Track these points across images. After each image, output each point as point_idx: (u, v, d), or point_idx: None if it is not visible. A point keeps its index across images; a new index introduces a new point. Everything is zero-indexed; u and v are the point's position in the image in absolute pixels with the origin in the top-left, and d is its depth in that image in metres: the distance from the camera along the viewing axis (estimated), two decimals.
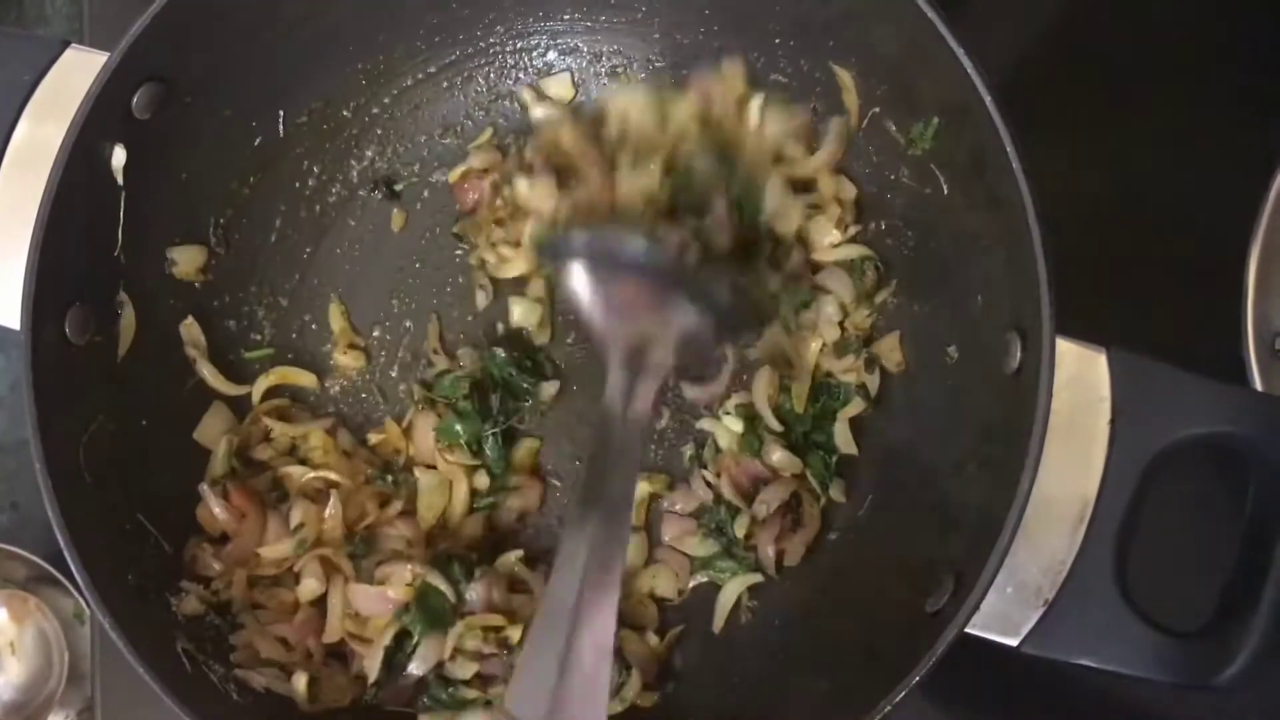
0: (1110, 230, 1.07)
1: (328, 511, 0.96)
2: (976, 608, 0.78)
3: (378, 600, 0.94)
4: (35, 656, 1.30)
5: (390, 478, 1.02)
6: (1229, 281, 0.99)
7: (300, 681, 0.90)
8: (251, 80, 0.98)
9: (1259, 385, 0.97)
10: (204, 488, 0.96)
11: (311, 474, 0.98)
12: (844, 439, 1.00)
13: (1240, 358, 0.98)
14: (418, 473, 1.02)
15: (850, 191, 1.01)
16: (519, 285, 1.07)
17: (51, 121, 0.89)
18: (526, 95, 1.09)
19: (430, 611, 0.94)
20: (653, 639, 0.99)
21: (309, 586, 0.95)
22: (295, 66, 1.01)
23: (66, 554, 0.82)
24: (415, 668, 0.93)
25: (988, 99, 0.81)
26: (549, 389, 1.05)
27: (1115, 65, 1.12)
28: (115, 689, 1.10)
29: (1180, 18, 1.13)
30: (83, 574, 0.82)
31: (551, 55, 1.09)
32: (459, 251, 1.08)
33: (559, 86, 1.09)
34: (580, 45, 1.08)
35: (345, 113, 1.07)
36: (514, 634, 0.94)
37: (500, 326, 1.06)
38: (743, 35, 0.99)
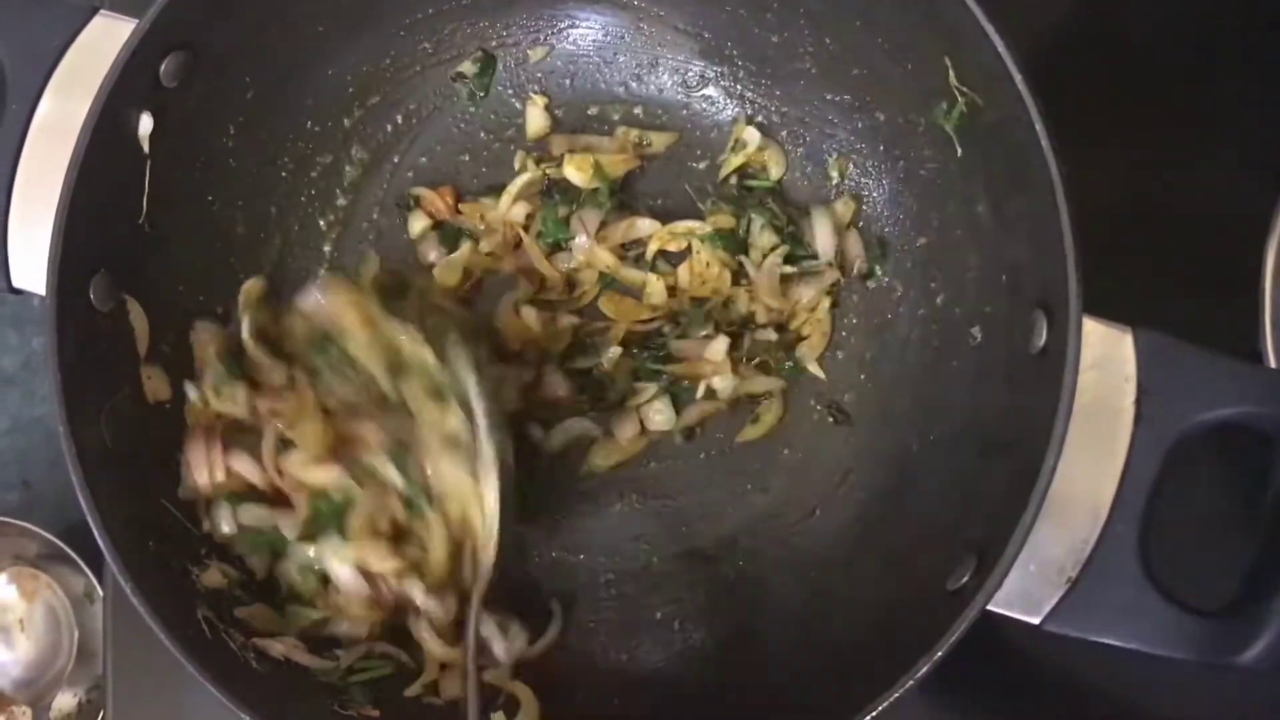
0: (1127, 221, 1.07)
1: None
2: (1000, 585, 0.78)
3: None
4: (45, 634, 1.30)
5: None
6: (1247, 274, 0.99)
7: None
8: (281, 51, 0.99)
9: None
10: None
11: None
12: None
13: (1257, 350, 0.98)
14: None
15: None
16: None
17: (79, 87, 0.88)
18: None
19: None
20: None
21: None
22: (327, 37, 1.01)
23: (89, 515, 0.82)
24: None
25: (1018, 76, 0.81)
26: None
27: (1138, 54, 1.13)
28: (127, 666, 1.10)
29: (1204, 10, 1.13)
30: (103, 536, 0.82)
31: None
32: None
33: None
34: None
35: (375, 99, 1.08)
36: None
37: None
38: (765, 11, 1.00)
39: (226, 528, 0.93)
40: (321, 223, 1.08)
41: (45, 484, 1.39)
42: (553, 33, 1.09)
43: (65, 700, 1.30)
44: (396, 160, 1.10)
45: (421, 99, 1.09)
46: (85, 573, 1.26)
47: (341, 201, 1.09)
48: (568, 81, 1.10)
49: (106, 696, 1.10)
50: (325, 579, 0.93)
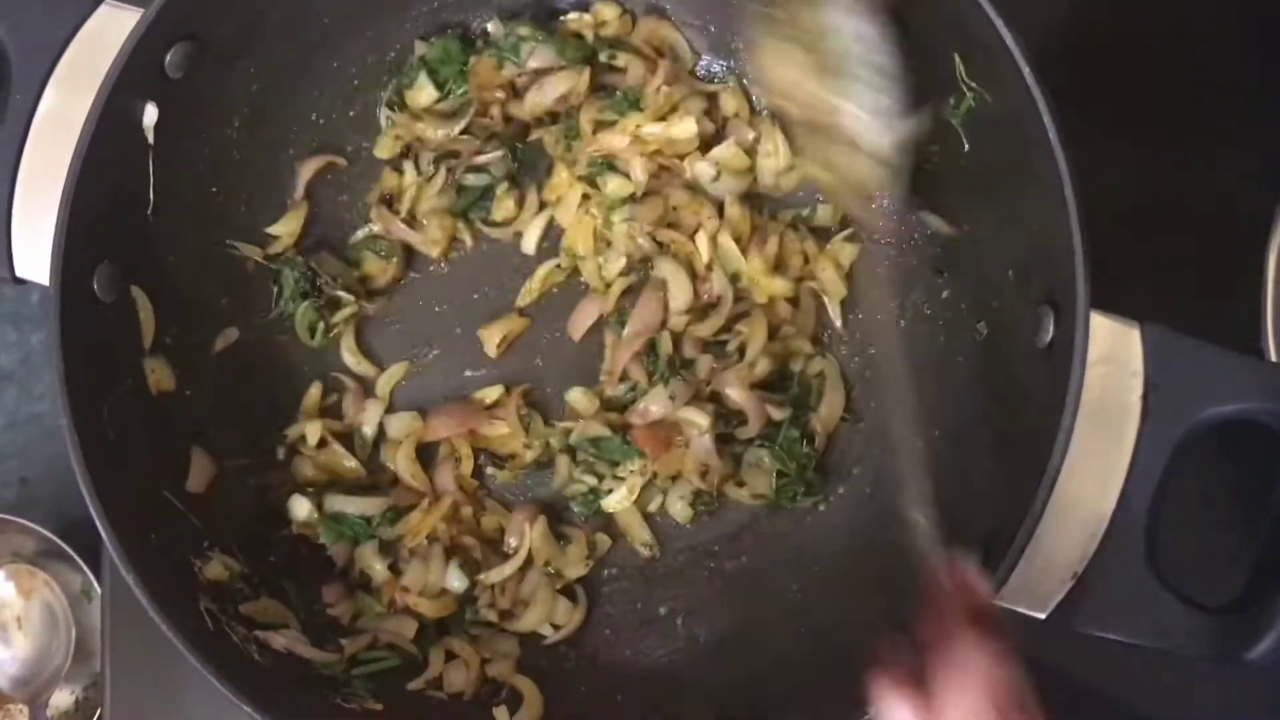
0: (1133, 218, 1.07)
1: None
2: (1006, 580, 0.78)
3: None
4: (42, 632, 1.29)
5: None
6: (1250, 271, 0.99)
7: None
8: (286, 43, 0.99)
9: None
10: None
11: None
12: None
13: (1259, 347, 0.98)
14: None
15: None
16: None
17: (84, 77, 0.88)
18: None
19: None
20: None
21: None
22: (332, 30, 1.02)
23: (91, 506, 0.82)
24: None
25: (1027, 72, 0.81)
26: None
27: (1145, 51, 1.13)
28: (124, 664, 1.10)
29: (1210, 10, 1.14)
30: (105, 528, 0.82)
31: None
32: None
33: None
34: None
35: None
36: None
37: None
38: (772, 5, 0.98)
39: (303, 515, 0.97)
40: None
41: (43, 481, 1.37)
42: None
43: (62, 698, 1.29)
44: None
45: None
46: (83, 570, 1.25)
47: (344, 197, 1.08)
48: None
49: (104, 694, 1.10)
50: (396, 569, 0.98)
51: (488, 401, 1.04)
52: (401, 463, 1.02)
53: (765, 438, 1.01)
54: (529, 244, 1.06)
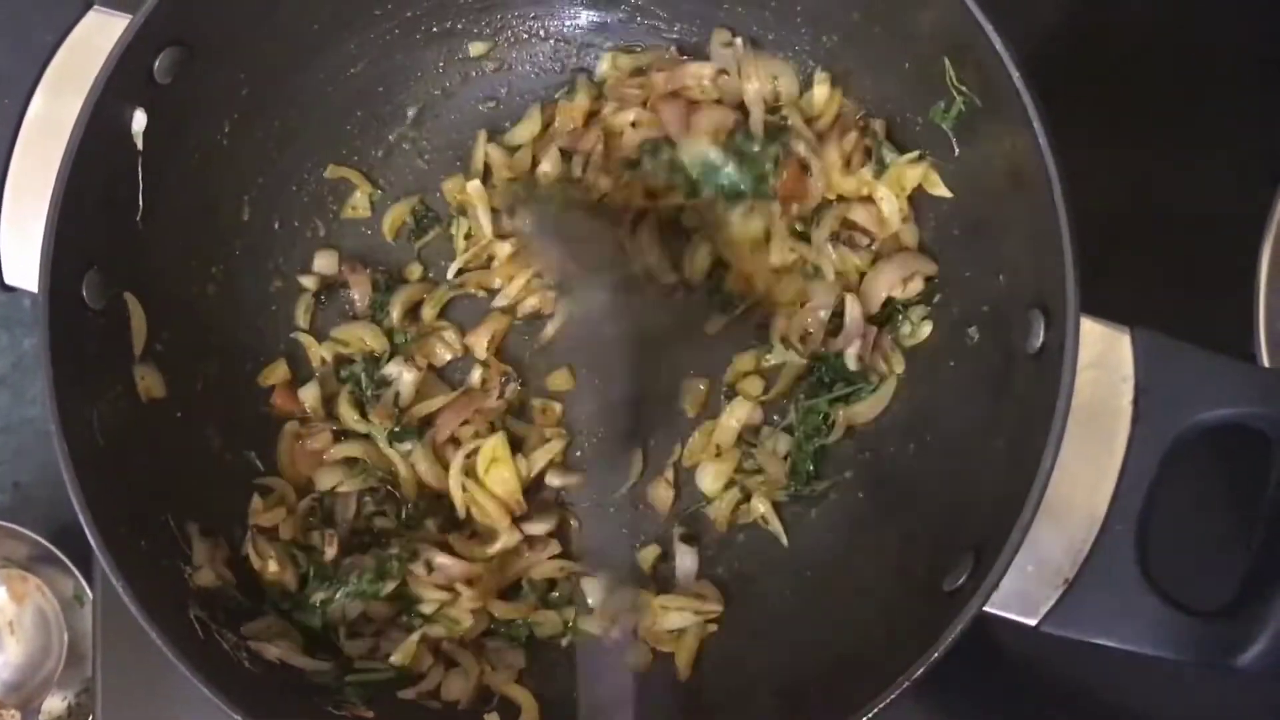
0: (1124, 221, 1.07)
1: None
2: (996, 585, 0.78)
3: None
4: (34, 637, 1.29)
5: None
6: (1241, 275, 0.99)
7: None
8: (275, 47, 0.98)
9: None
10: None
11: None
12: None
13: (1250, 352, 0.98)
14: None
15: None
16: None
17: (73, 83, 0.88)
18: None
19: None
20: None
21: None
22: (322, 34, 1.01)
23: (80, 513, 0.81)
24: None
25: (1016, 75, 0.81)
26: None
27: (1135, 55, 1.13)
28: (116, 669, 1.09)
29: (1201, 12, 1.14)
30: (94, 534, 0.81)
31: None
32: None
33: None
34: None
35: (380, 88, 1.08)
36: None
37: None
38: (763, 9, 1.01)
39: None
40: (318, 220, 1.08)
41: (35, 486, 1.38)
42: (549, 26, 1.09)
43: (54, 703, 1.30)
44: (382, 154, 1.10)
45: (416, 94, 1.09)
46: (75, 575, 1.25)
47: (333, 205, 1.09)
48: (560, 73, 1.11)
49: (95, 699, 1.10)
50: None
51: (476, 383, 1.05)
52: (424, 468, 1.01)
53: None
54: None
